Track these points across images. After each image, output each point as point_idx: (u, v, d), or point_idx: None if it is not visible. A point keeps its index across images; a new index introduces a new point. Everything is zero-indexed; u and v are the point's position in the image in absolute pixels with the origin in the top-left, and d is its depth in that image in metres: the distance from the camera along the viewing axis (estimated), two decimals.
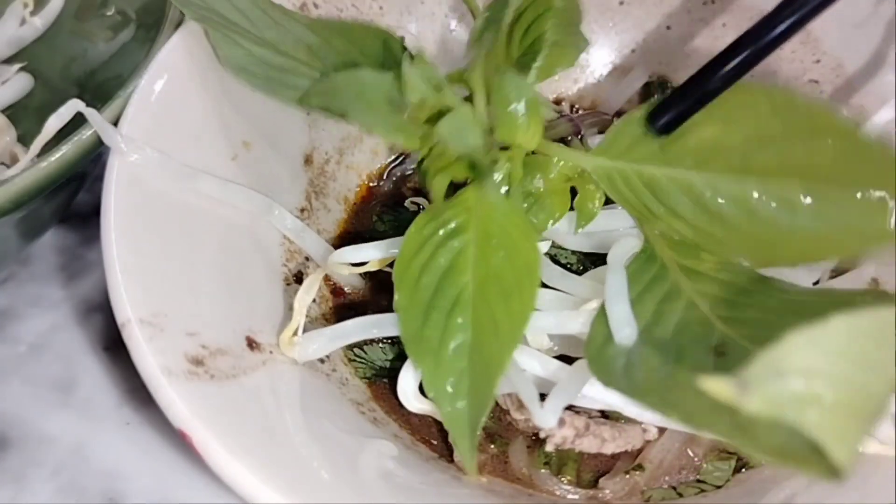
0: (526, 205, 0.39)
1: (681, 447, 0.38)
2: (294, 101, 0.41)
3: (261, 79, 0.42)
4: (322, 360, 0.41)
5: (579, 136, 0.45)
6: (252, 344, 0.37)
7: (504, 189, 0.38)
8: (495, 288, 0.35)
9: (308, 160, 0.48)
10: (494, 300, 0.34)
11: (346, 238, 0.49)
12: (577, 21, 0.43)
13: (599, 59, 0.55)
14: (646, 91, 0.54)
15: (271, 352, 0.38)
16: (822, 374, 0.22)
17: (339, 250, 0.41)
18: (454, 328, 0.34)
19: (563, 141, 0.46)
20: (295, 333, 0.39)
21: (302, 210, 0.47)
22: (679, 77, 0.53)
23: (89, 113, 0.39)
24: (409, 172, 0.51)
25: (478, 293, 0.35)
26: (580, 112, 0.55)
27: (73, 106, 0.41)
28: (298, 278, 0.44)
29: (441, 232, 0.36)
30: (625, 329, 0.33)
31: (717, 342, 0.32)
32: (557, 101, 0.56)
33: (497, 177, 0.38)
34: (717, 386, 0.22)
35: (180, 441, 0.30)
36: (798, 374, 0.22)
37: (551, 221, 0.40)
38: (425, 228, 0.36)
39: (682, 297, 0.35)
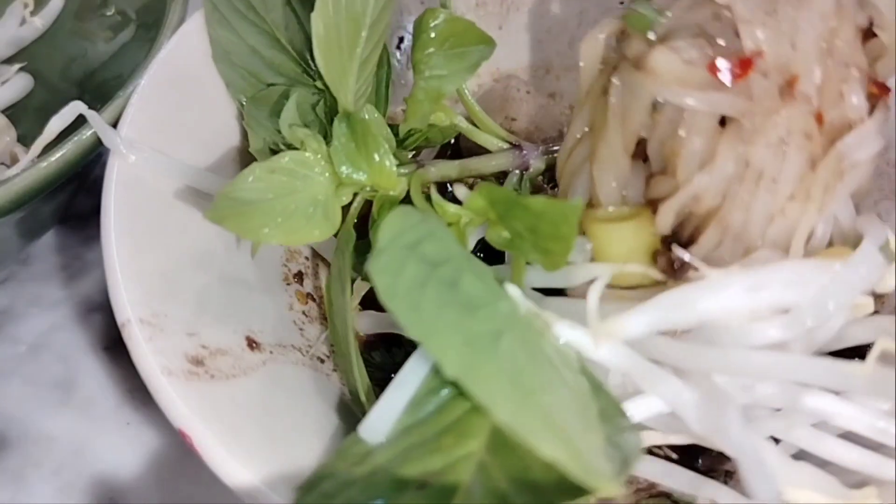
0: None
1: None
2: (247, 112, 0.42)
3: (238, 73, 0.42)
4: (322, 360, 0.41)
5: (523, 171, 0.43)
6: (252, 344, 0.37)
7: None
8: None
9: None
10: None
11: None
12: (464, 44, 0.41)
13: None
14: None
15: (271, 352, 0.38)
16: None
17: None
18: None
19: (504, 174, 0.44)
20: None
21: None
22: None
23: (91, 116, 0.39)
24: None
25: None
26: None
27: (75, 108, 0.42)
28: (298, 278, 0.44)
29: None
30: (376, 426, 0.29)
31: (436, 468, 0.27)
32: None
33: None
34: None
35: (180, 441, 0.30)
36: None
37: None
38: None
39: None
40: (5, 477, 0.45)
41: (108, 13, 0.58)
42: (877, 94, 0.31)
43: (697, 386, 0.30)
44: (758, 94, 0.29)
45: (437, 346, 0.26)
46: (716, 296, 0.29)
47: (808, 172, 0.30)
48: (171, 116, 0.40)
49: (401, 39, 0.52)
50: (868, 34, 0.30)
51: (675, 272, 0.32)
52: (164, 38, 0.46)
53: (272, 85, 0.42)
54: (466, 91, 0.44)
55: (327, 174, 0.37)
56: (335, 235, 0.38)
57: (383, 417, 0.29)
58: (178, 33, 0.42)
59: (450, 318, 0.27)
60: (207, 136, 0.42)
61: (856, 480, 0.31)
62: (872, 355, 0.28)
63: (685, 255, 0.31)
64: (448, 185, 0.45)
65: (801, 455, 0.32)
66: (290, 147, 0.39)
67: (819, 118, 0.29)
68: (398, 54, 0.51)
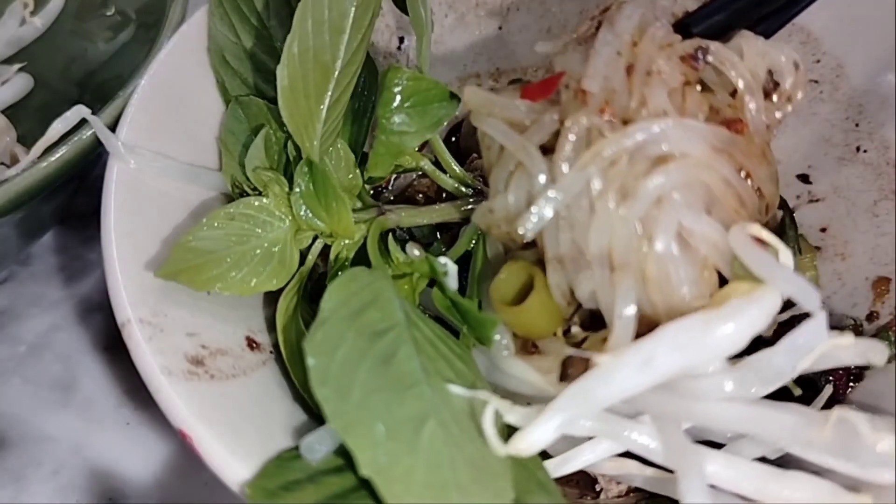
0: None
1: None
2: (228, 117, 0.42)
3: (227, 72, 0.42)
4: None
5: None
6: (252, 344, 0.37)
7: None
8: None
9: None
10: None
11: None
12: (428, 102, 0.41)
13: None
14: None
15: (271, 352, 0.38)
16: None
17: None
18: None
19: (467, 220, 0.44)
20: None
21: None
22: None
23: (93, 120, 0.40)
24: (413, 181, 0.51)
25: None
26: None
27: (78, 112, 0.42)
28: None
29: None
30: (314, 447, 0.29)
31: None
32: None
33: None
34: None
35: (180, 441, 0.30)
36: None
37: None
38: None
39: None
40: (5, 477, 0.45)
41: (108, 13, 0.58)
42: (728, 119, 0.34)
43: (662, 430, 0.31)
44: (563, 100, 0.34)
45: (355, 443, 0.27)
46: (611, 382, 0.28)
47: (609, 167, 0.32)
48: (171, 117, 0.40)
49: (401, 40, 0.52)
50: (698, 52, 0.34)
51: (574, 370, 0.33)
52: (164, 38, 0.46)
53: (258, 94, 0.42)
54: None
55: (288, 219, 0.38)
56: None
57: (324, 440, 0.30)
58: (178, 33, 0.43)
59: (376, 405, 0.28)
60: (207, 135, 0.42)
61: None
62: (831, 421, 0.29)
63: (572, 351, 0.33)
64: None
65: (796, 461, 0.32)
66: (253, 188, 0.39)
67: (612, 112, 0.33)
68: (398, 55, 0.52)
